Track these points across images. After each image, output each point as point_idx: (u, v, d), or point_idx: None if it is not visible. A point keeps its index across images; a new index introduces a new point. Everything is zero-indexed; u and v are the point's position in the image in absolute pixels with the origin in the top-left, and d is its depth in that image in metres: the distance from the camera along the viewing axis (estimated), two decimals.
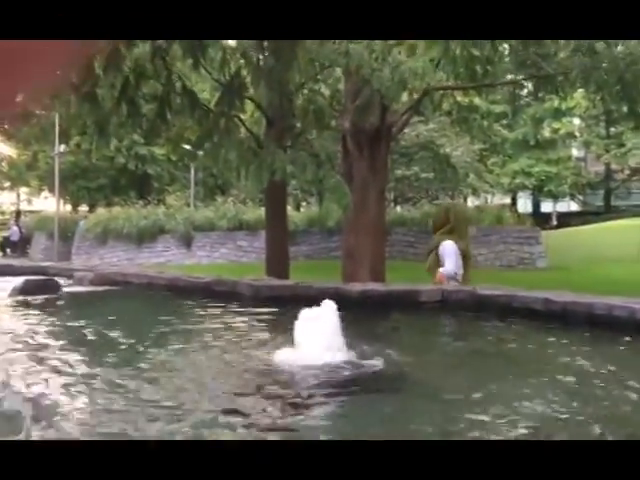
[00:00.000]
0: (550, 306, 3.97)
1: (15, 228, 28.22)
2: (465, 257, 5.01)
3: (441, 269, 4.88)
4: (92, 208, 33.69)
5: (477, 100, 14.13)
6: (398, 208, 24.61)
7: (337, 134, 9.24)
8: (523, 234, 16.69)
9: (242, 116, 10.19)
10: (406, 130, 16.85)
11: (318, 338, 2.91)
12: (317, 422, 2.18)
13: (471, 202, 31.44)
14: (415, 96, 9.53)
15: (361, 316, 4.10)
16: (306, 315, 2.94)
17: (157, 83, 7.84)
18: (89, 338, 3.54)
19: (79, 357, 3.06)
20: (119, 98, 6.99)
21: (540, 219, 27.49)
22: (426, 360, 3.18)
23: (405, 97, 9.63)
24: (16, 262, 10.44)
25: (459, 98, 11.48)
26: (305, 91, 9.87)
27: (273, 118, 9.56)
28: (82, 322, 4.03)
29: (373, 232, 9.18)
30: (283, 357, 2.94)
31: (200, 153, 9.71)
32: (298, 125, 9.53)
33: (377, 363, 2.86)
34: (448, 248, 4.91)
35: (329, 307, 2.98)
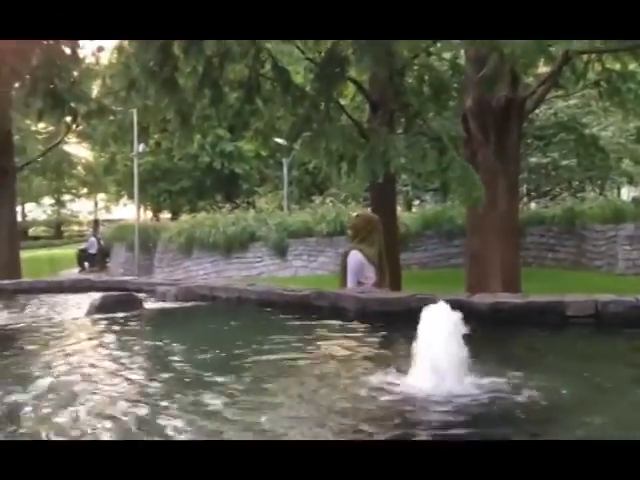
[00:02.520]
0: None
1: (93, 239, 29.89)
2: (377, 264, 5.95)
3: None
4: (175, 214, 35.21)
5: (632, 66, 13.38)
6: (533, 204, 23.83)
7: (459, 114, 9.02)
8: None
9: (341, 101, 10.23)
10: (541, 107, 16.30)
11: (440, 360, 2.82)
12: None
13: (627, 194, 29.87)
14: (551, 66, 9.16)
15: (492, 334, 3.95)
16: (425, 330, 2.85)
17: (244, 66, 8.01)
18: (174, 359, 3.62)
19: (163, 382, 3.13)
20: (201, 83, 7.20)
21: None
22: (576, 392, 2.99)
23: (540, 66, 9.27)
24: (94, 277, 11.04)
25: (609, 65, 10.91)
26: (416, 67, 9.76)
27: (378, 101, 9.52)
28: (166, 342, 4.14)
29: (503, 233, 8.90)
30: (396, 384, 2.87)
31: (296, 146, 9.76)
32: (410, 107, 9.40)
33: (513, 394, 2.73)
34: (351, 260, 5.90)
35: (454, 320, 2.88)
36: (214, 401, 2.72)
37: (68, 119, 12.32)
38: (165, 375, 3.27)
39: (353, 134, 8.41)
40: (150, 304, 5.99)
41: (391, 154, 7.00)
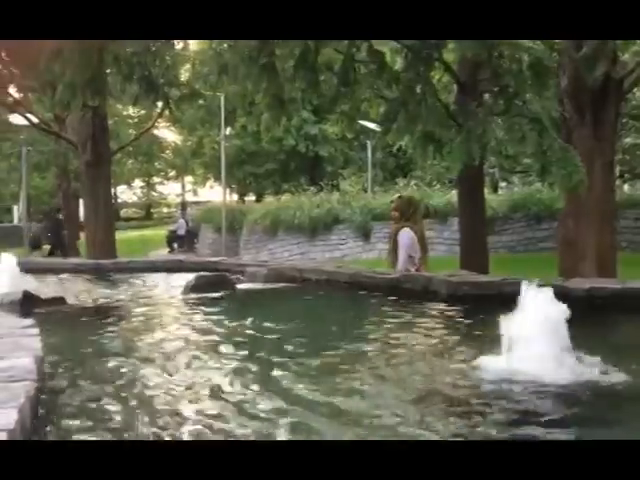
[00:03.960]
0: None
1: (182, 221, 30.73)
2: (421, 241, 6.48)
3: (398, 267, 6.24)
4: (260, 197, 35.72)
5: None
6: (626, 186, 22.94)
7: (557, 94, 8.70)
8: None
9: None
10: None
11: (535, 344, 2.79)
12: None
13: None
14: None
15: (589, 320, 3.88)
16: (525, 312, 2.82)
17: (332, 49, 8.02)
18: (272, 338, 3.72)
19: (262, 361, 3.23)
20: (296, 67, 7.27)
21: None
22: None
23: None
24: (185, 258, 11.39)
25: None
26: (507, 46, 9.50)
27: (467, 82, 9.36)
28: (264, 322, 4.24)
29: (599, 216, 8.61)
30: (491, 367, 2.87)
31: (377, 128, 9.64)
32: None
33: (616, 379, 2.69)
34: (403, 236, 6.35)
35: (547, 302, 2.85)
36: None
37: (160, 103, 12.67)
38: (281, 356, 3.37)
39: (444, 116, 8.30)
40: (242, 285, 6.13)
41: (489, 137, 6.89)
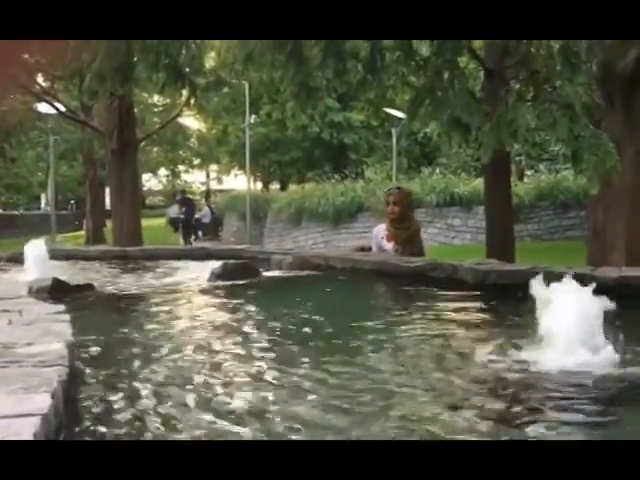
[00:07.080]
0: None
1: (206, 209, 30.92)
2: None
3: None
4: (284, 185, 35.79)
5: None
6: None
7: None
8: None
9: None
10: None
11: (569, 331, 2.77)
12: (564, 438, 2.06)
13: None
14: None
15: (620, 309, 3.83)
16: (551, 301, 2.79)
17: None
18: (295, 327, 3.74)
19: (290, 348, 3.24)
20: (324, 54, 7.26)
21: None
22: None
23: None
24: (210, 245, 11.47)
25: None
26: None
27: (494, 68, 9.29)
28: (290, 310, 4.26)
29: (629, 205, 8.50)
30: (523, 355, 2.85)
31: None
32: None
33: None
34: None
35: (581, 291, 2.82)
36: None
37: (185, 92, 12.69)
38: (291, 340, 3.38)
39: (472, 102, 8.22)
40: (268, 272, 6.16)
41: (520, 123, 6.81)
